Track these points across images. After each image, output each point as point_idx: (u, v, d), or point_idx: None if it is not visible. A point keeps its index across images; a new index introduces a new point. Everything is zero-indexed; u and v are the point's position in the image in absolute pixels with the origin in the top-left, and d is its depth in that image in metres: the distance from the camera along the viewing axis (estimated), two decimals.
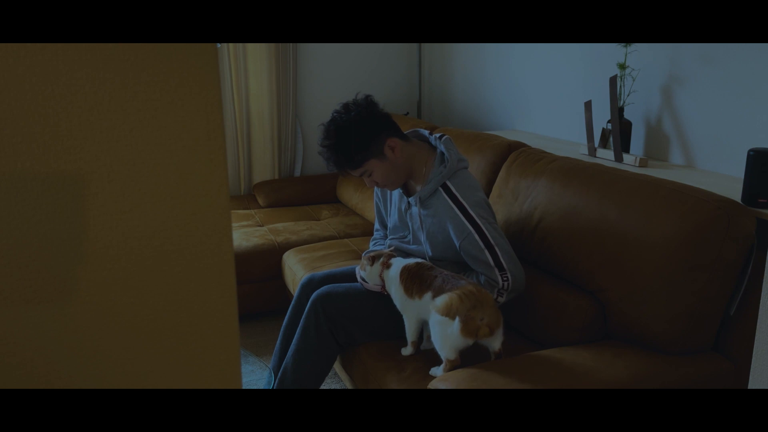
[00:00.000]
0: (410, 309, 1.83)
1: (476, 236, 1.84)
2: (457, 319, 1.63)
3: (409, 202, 2.01)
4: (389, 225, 2.19)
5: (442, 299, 1.63)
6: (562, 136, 2.93)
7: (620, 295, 1.73)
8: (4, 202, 0.59)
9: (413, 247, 2.05)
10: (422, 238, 1.99)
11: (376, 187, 2.18)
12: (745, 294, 1.64)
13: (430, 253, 1.98)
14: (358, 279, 2.05)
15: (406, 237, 2.10)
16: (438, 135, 2.02)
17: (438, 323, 1.68)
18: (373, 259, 1.95)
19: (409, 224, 2.05)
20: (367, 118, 1.92)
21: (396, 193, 2.11)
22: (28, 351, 0.63)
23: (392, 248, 2.10)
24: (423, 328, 1.91)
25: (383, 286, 1.94)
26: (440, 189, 1.90)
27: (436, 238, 1.94)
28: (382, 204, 2.24)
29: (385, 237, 2.27)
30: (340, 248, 2.80)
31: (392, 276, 1.86)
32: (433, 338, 1.72)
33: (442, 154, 1.95)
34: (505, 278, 1.82)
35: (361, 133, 1.91)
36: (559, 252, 1.91)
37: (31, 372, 0.64)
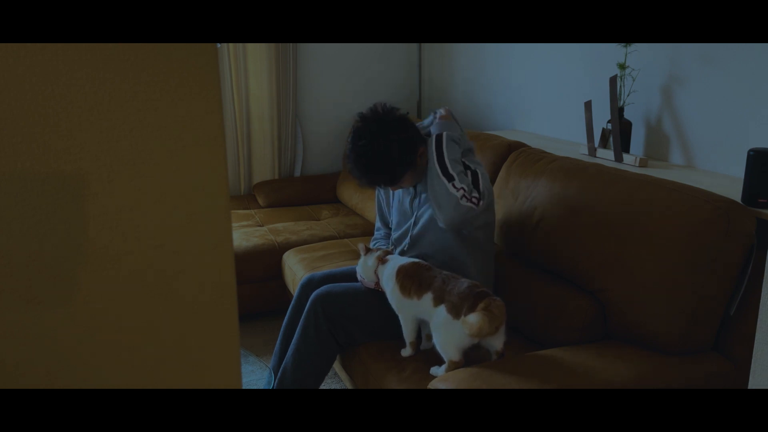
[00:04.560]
0: (407, 309, 1.83)
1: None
2: (462, 318, 1.63)
3: (416, 191, 2.03)
4: (394, 220, 2.18)
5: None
6: (562, 136, 2.93)
7: (620, 295, 1.73)
8: (4, 202, 0.59)
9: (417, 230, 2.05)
10: (423, 217, 2.00)
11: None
12: (745, 294, 1.64)
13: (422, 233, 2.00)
14: (359, 278, 2.04)
15: (408, 225, 2.09)
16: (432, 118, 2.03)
17: (442, 324, 1.68)
18: (367, 251, 1.95)
19: (414, 212, 2.05)
20: (406, 139, 1.92)
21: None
22: (28, 351, 0.63)
23: (392, 248, 2.09)
24: (421, 327, 1.91)
25: (377, 282, 1.93)
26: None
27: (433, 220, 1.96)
28: (384, 199, 2.24)
29: (386, 237, 2.26)
30: (340, 248, 2.80)
31: (388, 274, 1.86)
32: (436, 340, 1.71)
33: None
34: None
35: (404, 155, 1.90)
36: (559, 252, 1.91)
37: (31, 372, 0.64)
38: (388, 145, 1.89)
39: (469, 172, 1.92)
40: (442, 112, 2.00)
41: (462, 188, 1.84)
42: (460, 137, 1.97)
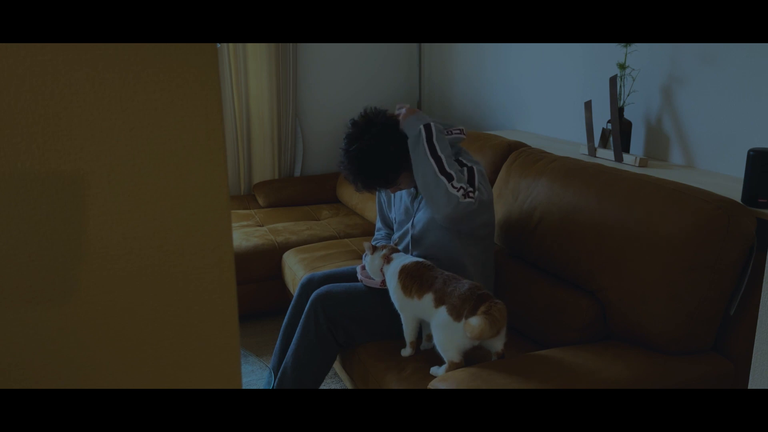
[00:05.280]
0: (408, 308, 1.83)
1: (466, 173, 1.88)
2: (464, 321, 1.62)
3: (417, 191, 2.03)
4: (396, 220, 2.18)
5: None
6: (562, 136, 2.93)
7: (620, 295, 1.73)
8: (4, 202, 0.59)
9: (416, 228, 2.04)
10: (421, 216, 2.00)
11: None
12: (745, 294, 1.64)
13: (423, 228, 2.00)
14: (359, 278, 2.04)
15: (408, 225, 2.09)
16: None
17: (443, 326, 1.68)
18: (374, 249, 1.94)
19: (414, 212, 2.05)
20: (393, 140, 1.91)
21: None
22: (28, 351, 0.63)
23: (396, 243, 2.10)
24: (422, 327, 1.91)
25: (383, 281, 1.93)
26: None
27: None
28: (385, 200, 2.24)
29: (387, 237, 2.26)
30: (340, 248, 2.80)
31: (391, 273, 1.86)
32: (436, 341, 1.71)
33: None
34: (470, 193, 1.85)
35: (392, 155, 1.90)
36: (559, 252, 1.91)
37: (30, 372, 0.64)
38: (380, 146, 1.89)
39: (465, 170, 1.91)
40: (403, 111, 1.95)
41: (461, 187, 1.82)
42: (444, 129, 1.94)
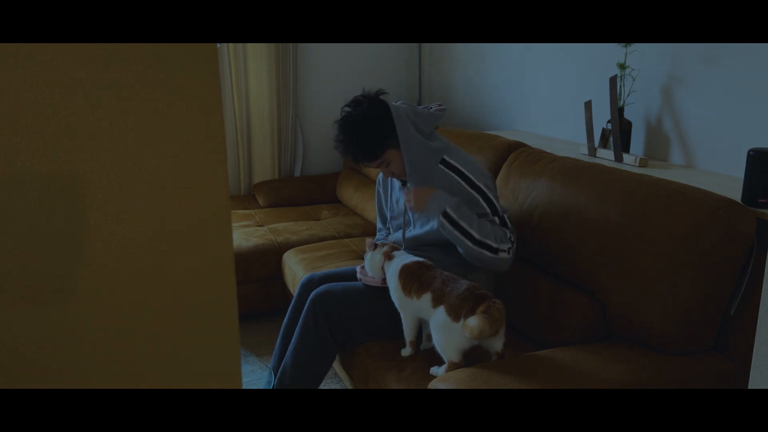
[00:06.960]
0: (408, 308, 1.83)
1: (484, 204, 1.90)
2: (462, 321, 1.62)
3: (407, 187, 2.04)
4: (391, 214, 2.18)
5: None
6: (562, 136, 2.93)
7: (620, 295, 1.73)
8: (4, 202, 0.59)
9: (420, 230, 2.04)
10: (420, 220, 2.00)
11: (378, 181, 2.20)
12: (745, 294, 1.64)
13: (422, 229, 2.00)
14: (359, 277, 2.04)
15: (402, 220, 2.10)
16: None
17: (442, 326, 1.67)
18: (375, 246, 1.94)
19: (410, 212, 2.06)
20: (381, 110, 1.95)
21: (396, 183, 2.13)
22: (28, 351, 0.63)
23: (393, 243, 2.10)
24: (422, 327, 1.91)
25: (383, 279, 1.93)
26: (440, 165, 1.94)
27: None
28: (383, 194, 2.24)
29: (386, 237, 2.26)
30: (340, 248, 2.80)
31: (392, 272, 1.86)
32: (435, 341, 1.71)
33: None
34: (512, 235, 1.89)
35: (377, 125, 1.93)
36: (559, 252, 1.91)
37: (31, 371, 0.64)
38: (372, 116, 1.93)
39: (497, 211, 1.90)
40: (409, 201, 1.96)
41: (500, 248, 1.85)
42: (452, 192, 1.92)
